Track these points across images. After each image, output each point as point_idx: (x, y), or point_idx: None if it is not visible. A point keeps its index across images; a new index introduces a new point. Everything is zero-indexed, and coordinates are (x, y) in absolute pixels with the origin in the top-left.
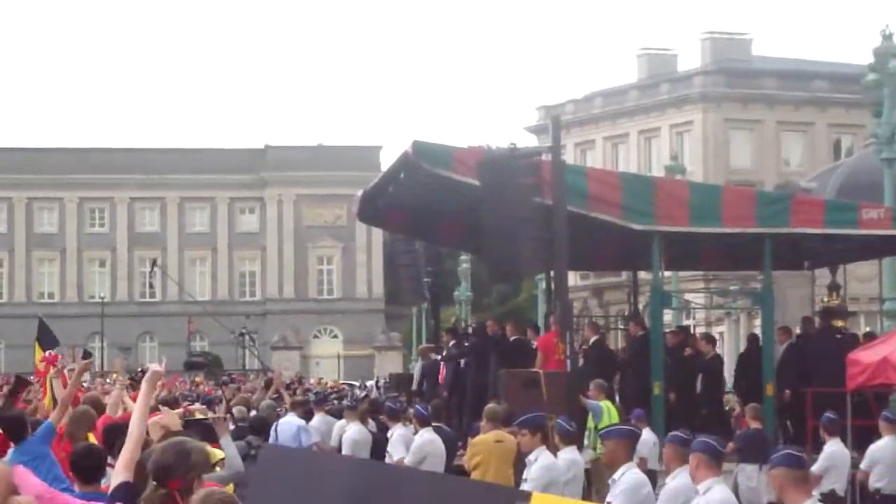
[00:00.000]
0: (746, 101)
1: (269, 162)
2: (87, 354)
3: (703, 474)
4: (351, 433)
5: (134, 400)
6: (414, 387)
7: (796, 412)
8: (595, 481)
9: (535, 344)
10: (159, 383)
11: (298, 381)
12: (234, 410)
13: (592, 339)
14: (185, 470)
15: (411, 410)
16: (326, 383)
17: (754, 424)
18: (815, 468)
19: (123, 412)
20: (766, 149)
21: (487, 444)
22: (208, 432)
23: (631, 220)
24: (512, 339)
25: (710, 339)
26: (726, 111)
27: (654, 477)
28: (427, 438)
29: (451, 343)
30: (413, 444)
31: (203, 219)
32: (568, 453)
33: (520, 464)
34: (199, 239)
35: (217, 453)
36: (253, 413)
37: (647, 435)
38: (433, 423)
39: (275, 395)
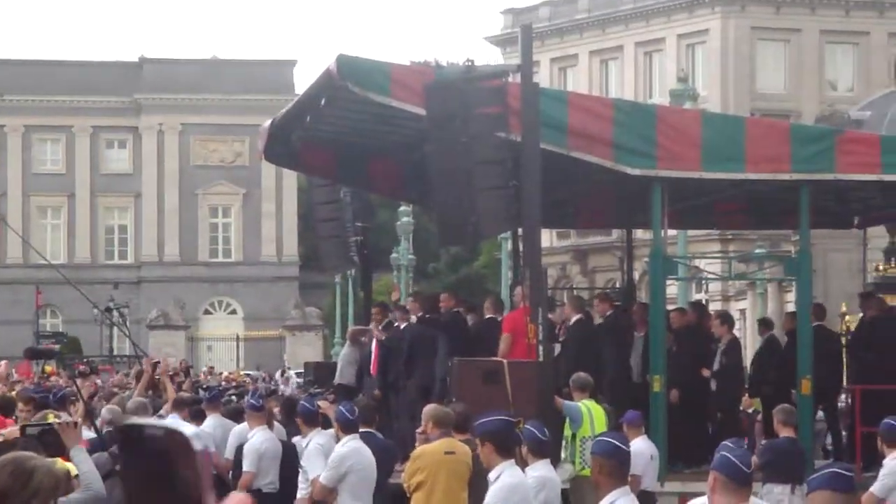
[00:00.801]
0: (780, 2)
1: (147, 80)
2: None
3: (722, 500)
4: (255, 442)
5: None
6: (338, 380)
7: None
8: None
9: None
10: None
11: (185, 371)
12: (104, 411)
13: (574, 319)
14: (25, 496)
15: (323, 407)
16: (221, 374)
17: (785, 432)
18: (876, 489)
19: None
20: (805, 67)
21: (434, 456)
22: (55, 442)
23: (625, 161)
24: (486, 318)
25: (726, 320)
26: (753, 16)
27: (652, 502)
28: (351, 448)
29: (383, 323)
30: (331, 455)
31: (56, 154)
32: (539, 469)
33: (479, 481)
34: (50, 182)
35: (72, 470)
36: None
37: (642, 445)
38: (362, 429)
39: (150, 393)
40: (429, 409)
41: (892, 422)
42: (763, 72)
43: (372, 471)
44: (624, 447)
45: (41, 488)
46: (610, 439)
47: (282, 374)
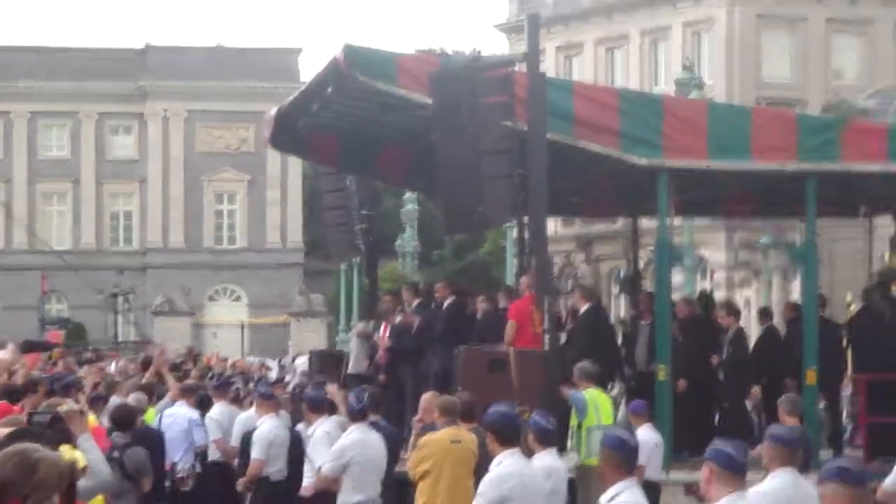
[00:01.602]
0: None
1: (152, 67)
2: None
3: (718, 490)
4: (265, 430)
5: None
6: (351, 369)
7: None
8: (582, 494)
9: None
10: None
11: (193, 359)
12: (132, 398)
13: (584, 308)
14: (29, 488)
15: (330, 392)
16: (226, 361)
17: (791, 421)
18: (889, 483)
19: None
20: (812, 56)
21: (441, 444)
22: (64, 430)
23: (631, 151)
24: (500, 307)
25: (732, 310)
26: (759, 4)
27: (656, 490)
28: (355, 439)
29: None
30: (334, 446)
31: (61, 141)
32: (545, 458)
33: (486, 470)
34: (55, 167)
35: (80, 458)
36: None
37: (646, 434)
38: (370, 418)
39: (153, 380)
40: (432, 397)
41: None
42: (769, 60)
43: (379, 460)
44: (631, 441)
45: (44, 481)
46: (619, 434)
47: (279, 363)
